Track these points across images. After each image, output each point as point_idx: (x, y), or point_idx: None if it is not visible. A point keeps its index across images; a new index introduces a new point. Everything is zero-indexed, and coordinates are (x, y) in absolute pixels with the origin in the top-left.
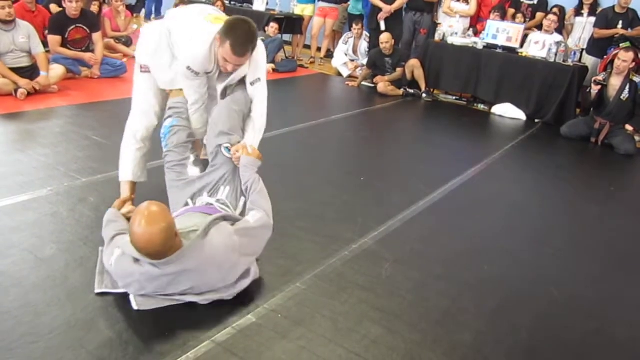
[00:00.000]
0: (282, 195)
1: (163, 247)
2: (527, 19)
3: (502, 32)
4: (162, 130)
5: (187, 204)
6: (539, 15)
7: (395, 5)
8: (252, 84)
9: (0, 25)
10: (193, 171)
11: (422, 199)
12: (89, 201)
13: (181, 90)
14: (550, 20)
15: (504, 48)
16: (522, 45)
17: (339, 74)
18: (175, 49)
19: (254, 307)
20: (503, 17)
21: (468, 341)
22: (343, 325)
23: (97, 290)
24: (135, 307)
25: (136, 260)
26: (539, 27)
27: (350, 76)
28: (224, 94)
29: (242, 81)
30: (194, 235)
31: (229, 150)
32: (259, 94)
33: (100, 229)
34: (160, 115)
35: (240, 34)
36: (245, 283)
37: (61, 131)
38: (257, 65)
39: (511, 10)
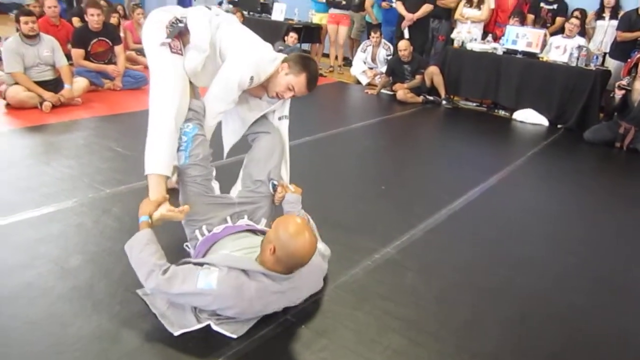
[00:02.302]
0: (302, 205)
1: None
2: (548, 24)
3: (521, 37)
4: (182, 136)
5: (225, 221)
6: (559, 20)
7: (418, 14)
8: (279, 119)
9: (24, 40)
10: (215, 186)
11: (443, 208)
12: (113, 212)
13: (191, 89)
14: (573, 24)
15: (524, 53)
16: (542, 50)
17: (358, 82)
18: (225, 50)
19: (277, 318)
20: (522, 22)
21: (490, 350)
22: (365, 336)
23: (177, 334)
24: (234, 336)
25: (247, 274)
26: (559, 32)
27: (369, 84)
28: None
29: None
30: None
31: (275, 187)
32: (284, 129)
33: (123, 241)
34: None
35: (315, 70)
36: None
37: (85, 143)
38: (288, 102)
39: (530, 16)
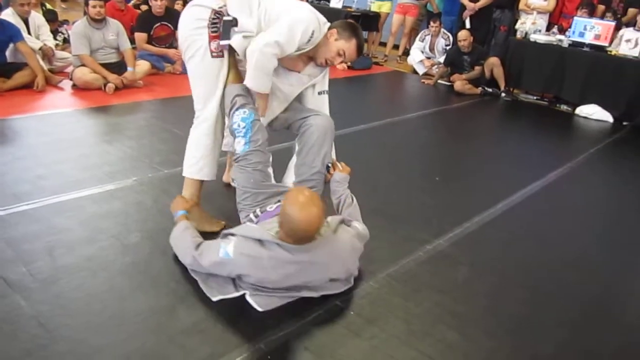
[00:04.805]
0: (356, 193)
1: (317, 231)
2: (619, 16)
3: (589, 29)
4: (240, 122)
5: (279, 202)
6: (632, 11)
7: (480, 3)
8: (319, 93)
9: (92, 23)
10: (270, 171)
11: (499, 202)
12: (171, 192)
13: (237, 73)
14: None
15: (592, 46)
16: (611, 44)
17: (414, 72)
18: (274, 19)
19: (326, 303)
20: (591, 13)
21: (549, 353)
22: (417, 327)
23: (215, 299)
24: (259, 308)
25: (262, 243)
26: (631, 24)
27: (426, 74)
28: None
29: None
30: (323, 231)
31: (329, 169)
32: (325, 104)
33: None
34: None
35: (362, 37)
36: (351, 280)
37: (145, 124)
38: (327, 77)
39: (601, 7)
